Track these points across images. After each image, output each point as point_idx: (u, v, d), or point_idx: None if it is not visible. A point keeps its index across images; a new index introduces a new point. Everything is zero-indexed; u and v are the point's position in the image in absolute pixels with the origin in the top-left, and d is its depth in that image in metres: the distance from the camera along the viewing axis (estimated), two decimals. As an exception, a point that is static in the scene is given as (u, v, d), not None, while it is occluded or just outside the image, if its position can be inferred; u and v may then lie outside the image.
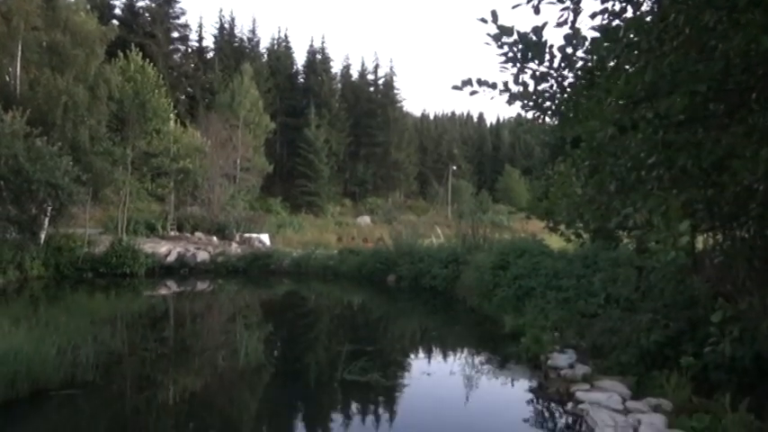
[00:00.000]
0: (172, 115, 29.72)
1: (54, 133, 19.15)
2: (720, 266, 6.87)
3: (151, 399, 7.09)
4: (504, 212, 48.66)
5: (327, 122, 52.05)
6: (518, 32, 3.76)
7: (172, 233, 26.37)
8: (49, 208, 17.84)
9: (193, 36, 52.52)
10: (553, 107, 4.11)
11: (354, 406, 6.96)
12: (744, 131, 3.60)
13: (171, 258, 21.18)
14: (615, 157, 4.18)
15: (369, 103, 59.36)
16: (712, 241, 7.34)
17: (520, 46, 3.80)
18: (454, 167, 60.22)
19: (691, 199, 3.74)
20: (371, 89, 61.33)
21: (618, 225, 4.23)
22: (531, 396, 7.35)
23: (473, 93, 3.98)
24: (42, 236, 18.15)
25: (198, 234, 26.82)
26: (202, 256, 21.67)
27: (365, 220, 44.13)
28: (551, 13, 3.97)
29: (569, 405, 6.59)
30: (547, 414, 6.78)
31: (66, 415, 6.32)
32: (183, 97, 44.08)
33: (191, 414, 6.75)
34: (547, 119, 4.42)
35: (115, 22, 38.40)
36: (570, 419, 6.37)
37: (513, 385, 7.87)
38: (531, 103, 4.09)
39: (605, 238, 10.90)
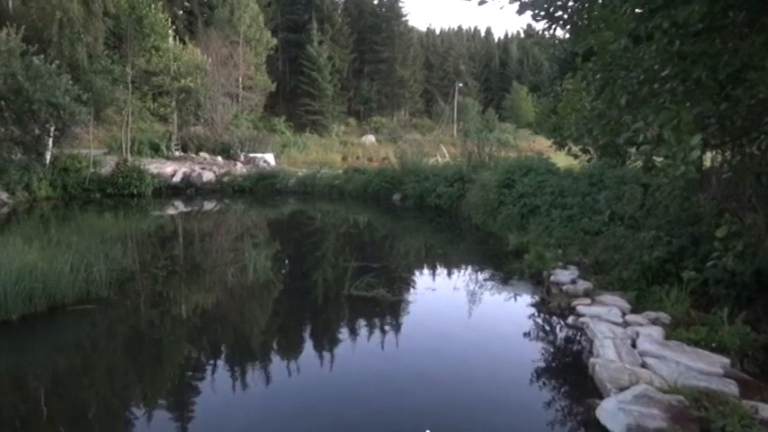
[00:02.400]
0: (170, 31, 28.83)
1: (51, 51, 18.74)
2: (727, 183, 6.85)
3: (164, 313, 7.34)
4: (510, 131, 48.16)
5: (330, 38, 50.47)
6: (531, -65, 3.55)
7: (176, 153, 26.33)
8: (52, 128, 17.73)
9: (188, -55, 49.94)
10: (565, 17, 3.94)
11: (360, 320, 7.18)
12: (763, 41, 3.46)
13: (177, 178, 21.25)
14: (627, 70, 4.05)
15: (372, 17, 57.24)
16: (721, 158, 7.28)
17: (532, -50, 3.59)
18: (460, 85, 58.95)
19: (703, 113, 3.65)
20: (375, 2, 58.95)
21: (627, 140, 4.16)
22: (533, 310, 7.54)
23: (482, 2, 3.82)
24: (48, 157, 18.16)
25: (203, 154, 26.77)
26: (208, 176, 21.72)
27: (370, 139, 43.80)
28: None
29: (570, 318, 6.78)
30: (548, 327, 6.99)
31: (83, 328, 6.57)
32: (181, 12, 42.55)
33: (203, 327, 6.99)
34: (558, 30, 4.25)
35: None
36: (570, 332, 6.57)
37: (515, 300, 8.06)
38: (542, 13, 3.92)
39: (613, 154, 10.80)
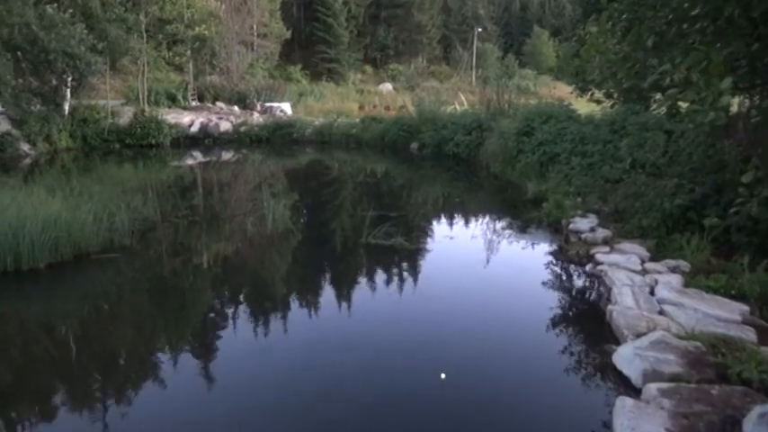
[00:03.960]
0: (182, -23, 28.26)
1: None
2: (754, 129, 6.66)
3: (186, 262, 7.47)
4: (530, 77, 47.09)
5: (345, -19, 49.00)
6: None
7: (193, 103, 26.24)
8: (69, 79, 17.71)
9: None
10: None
11: (379, 268, 7.26)
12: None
13: (194, 129, 21.25)
14: (655, 10, 3.88)
15: (389, -42, 55.25)
16: (749, 102, 7.06)
17: None
18: (479, 30, 57.27)
19: (734, 54, 3.50)
20: (392, -57, 56.78)
21: (653, 84, 4.01)
22: (550, 258, 7.55)
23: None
24: (66, 107, 18.20)
25: (219, 104, 26.65)
26: (225, 126, 21.67)
27: (387, 87, 43.13)
28: None
29: (588, 266, 6.78)
30: (566, 275, 7.00)
31: (109, 276, 6.73)
32: (193, -43, 41.49)
33: (224, 275, 7.13)
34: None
35: None
36: (588, 280, 6.59)
37: (533, 248, 8.06)
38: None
39: (637, 99, 10.53)
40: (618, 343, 4.62)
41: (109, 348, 4.97)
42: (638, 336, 4.48)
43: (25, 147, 16.60)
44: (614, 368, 4.26)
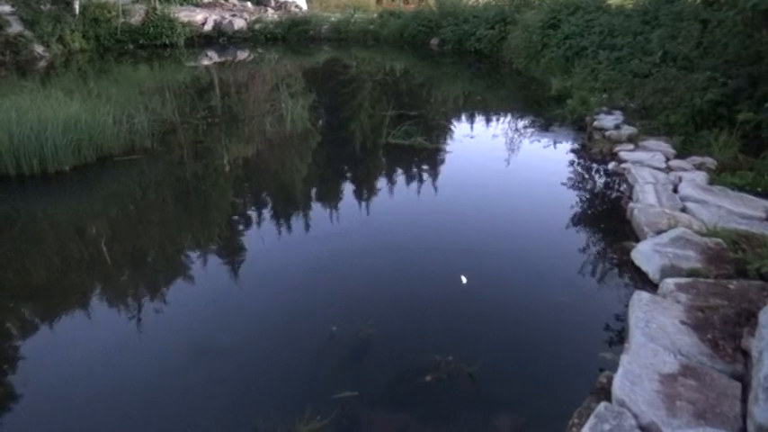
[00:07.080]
0: None
1: None
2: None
3: (208, 163, 7.52)
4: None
5: None
6: None
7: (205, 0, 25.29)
8: (77, -25, 17.13)
9: None
10: None
11: (399, 168, 7.24)
12: None
13: (208, 27, 20.66)
14: None
15: None
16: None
17: None
18: None
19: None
20: None
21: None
22: (573, 157, 7.44)
23: None
24: (76, 6, 17.71)
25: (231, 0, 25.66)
26: (239, 23, 21.01)
27: (406, -22, 40.87)
28: None
29: (611, 165, 6.68)
30: (588, 173, 6.93)
31: (133, 178, 6.83)
32: None
33: (246, 176, 7.19)
34: None
35: None
36: (611, 178, 6.52)
37: (555, 147, 7.94)
38: None
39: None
40: (638, 240, 4.63)
41: (139, 247, 5.14)
42: (659, 233, 4.48)
43: (39, 49, 16.36)
44: (633, 264, 4.29)
